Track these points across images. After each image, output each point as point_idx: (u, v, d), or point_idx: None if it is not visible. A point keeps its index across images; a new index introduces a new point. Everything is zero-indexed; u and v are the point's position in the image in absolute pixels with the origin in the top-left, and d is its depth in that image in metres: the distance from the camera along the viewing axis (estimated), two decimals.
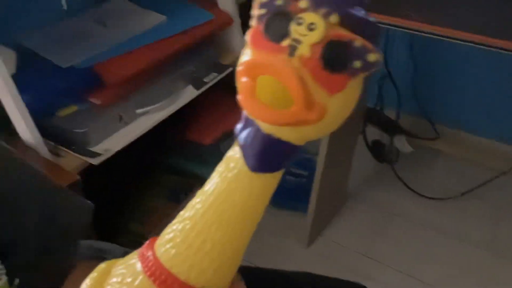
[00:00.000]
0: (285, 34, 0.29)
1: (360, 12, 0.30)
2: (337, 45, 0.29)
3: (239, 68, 0.32)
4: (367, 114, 1.70)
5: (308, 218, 1.64)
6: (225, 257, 0.34)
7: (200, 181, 1.55)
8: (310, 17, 0.29)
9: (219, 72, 1.44)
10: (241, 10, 1.51)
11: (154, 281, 0.33)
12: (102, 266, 0.36)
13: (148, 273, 0.33)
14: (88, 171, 1.16)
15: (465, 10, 0.99)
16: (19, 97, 1.05)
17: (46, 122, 1.19)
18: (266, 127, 0.32)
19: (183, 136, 1.57)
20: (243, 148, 0.33)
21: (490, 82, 1.76)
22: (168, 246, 0.33)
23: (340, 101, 0.31)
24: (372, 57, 0.30)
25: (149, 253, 0.34)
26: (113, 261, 0.36)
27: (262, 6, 0.30)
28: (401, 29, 0.96)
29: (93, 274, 0.36)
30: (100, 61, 1.28)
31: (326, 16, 0.29)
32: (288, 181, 1.76)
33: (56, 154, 1.18)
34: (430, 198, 1.75)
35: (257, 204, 0.34)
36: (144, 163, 1.66)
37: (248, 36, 0.31)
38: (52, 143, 1.19)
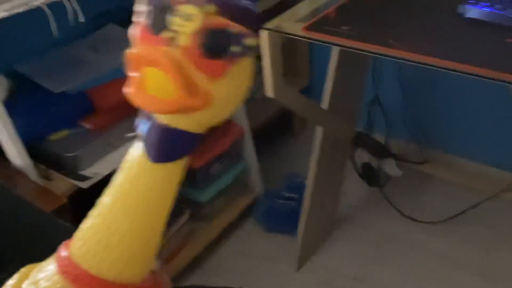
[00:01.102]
0: (165, 27, 0.31)
1: (239, 1, 0.31)
2: (214, 33, 0.31)
3: (125, 62, 0.33)
4: (356, 138, 1.72)
5: (298, 241, 1.65)
6: (135, 248, 0.35)
7: (191, 204, 1.56)
8: (186, 8, 0.30)
9: None
10: None
11: (67, 278, 0.34)
12: (23, 269, 0.38)
13: (62, 271, 0.35)
14: (82, 193, 1.18)
15: (445, 39, 1.02)
16: (9, 123, 1.08)
17: (37, 146, 1.22)
18: (161, 118, 0.34)
19: None
20: (143, 141, 0.34)
21: (477, 106, 1.79)
22: (80, 243, 0.35)
23: (225, 86, 0.33)
24: (249, 41, 0.31)
25: (64, 253, 0.35)
26: (34, 264, 0.38)
27: (148, 2, 0.31)
28: (383, 57, 0.99)
29: (15, 276, 0.37)
30: (92, 86, 1.31)
31: (202, 6, 0.30)
32: (279, 205, 1.78)
33: (46, 177, 1.19)
34: (420, 221, 1.76)
35: (162, 193, 0.35)
36: None
37: (132, 30, 0.32)
38: (43, 167, 1.21)
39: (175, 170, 0.35)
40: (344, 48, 1.08)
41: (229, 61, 0.32)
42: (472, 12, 1.03)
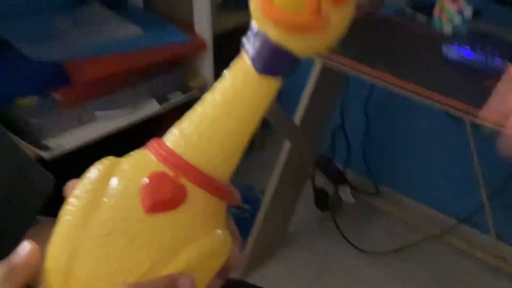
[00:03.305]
0: None
1: None
2: None
3: None
4: (318, 160, 1.76)
5: (245, 252, 1.65)
6: (231, 148, 0.39)
7: None
8: None
9: (184, 92, 1.47)
10: (216, 39, 1.56)
11: (165, 164, 0.37)
12: (110, 157, 0.39)
13: (160, 158, 0.38)
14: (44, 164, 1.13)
15: (426, 71, 1.08)
16: None
17: (3, 109, 1.17)
18: (275, 36, 0.37)
19: None
20: (252, 54, 0.38)
21: (432, 151, 1.88)
22: (180, 137, 0.38)
23: (340, 14, 0.38)
24: None
25: (160, 145, 0.38)
26: (115, 158, 0.39)
27: None
28: (362, 75, 1.03)
29: (104, 161, 0.38)
30: (69, 59, 1.28)
31: None
32: (232, 213, 1.78)
33: None
34: (362, 250, 1.81)
35: (260, 103, 0.39)
36: None
37: None
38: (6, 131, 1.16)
39: (274, 84, 0.39)
40: (327, 63, 1.12)
41: None
42: (455, 53, 1.09)
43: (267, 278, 1.69)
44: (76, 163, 1.23)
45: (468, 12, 1.25)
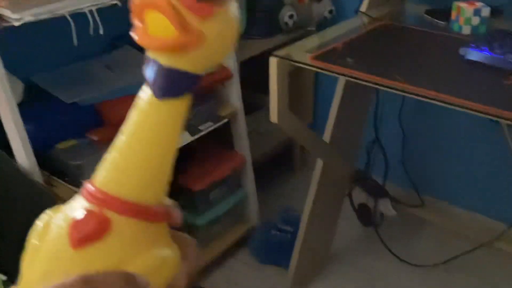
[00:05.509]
0: None
1: None
2: None
3: (131, 11, 0.39)
4: (354, 176, 1.75)
5: (289, 275, 1.65)
6: (152, 172, 0.42)
7: (187, 227, 1.57)
8: None
9: (215, 122, 1.52)
10: (240, 67, 1.60)
11: (94, 203, 0.40)
12: (48, 212, 0.42)
13: (90, 199, 0.41)
14: None
15: (446, 77, 1.07)
16: (22, 126, 1.11)
17: (44, 153, 1.25)
18: (165, 61, 0.39)
19: (175, 181, 1.62)
20: (150, 82, 0.40)
21: (474, 156, 1.83)
22: (103, 175, 0.41)
23: (214, 26, 0.38)
24: None
25: (88, 185, 0.41)
26: (57, 206, 0.42)
27: None
28: (389, 90, 1.04)
29: (47, 211, 0.42)
30: (102, 101, 1.35)
31: None
32: (273, 237, 1.79)
33: (50, 184, 1.22)
34: (411, 264, 1.77)
35: (170, 127, 0.41)
36: None
37: None
38: (47, 173, 1.23)
39: (179, 107, 0.41)
40: (349, 79, 1.13)
41: (216, 3, 0.38)
42: (473, 55, 1.08)
43: None
44: None
45: (485, 11, 1.24)
